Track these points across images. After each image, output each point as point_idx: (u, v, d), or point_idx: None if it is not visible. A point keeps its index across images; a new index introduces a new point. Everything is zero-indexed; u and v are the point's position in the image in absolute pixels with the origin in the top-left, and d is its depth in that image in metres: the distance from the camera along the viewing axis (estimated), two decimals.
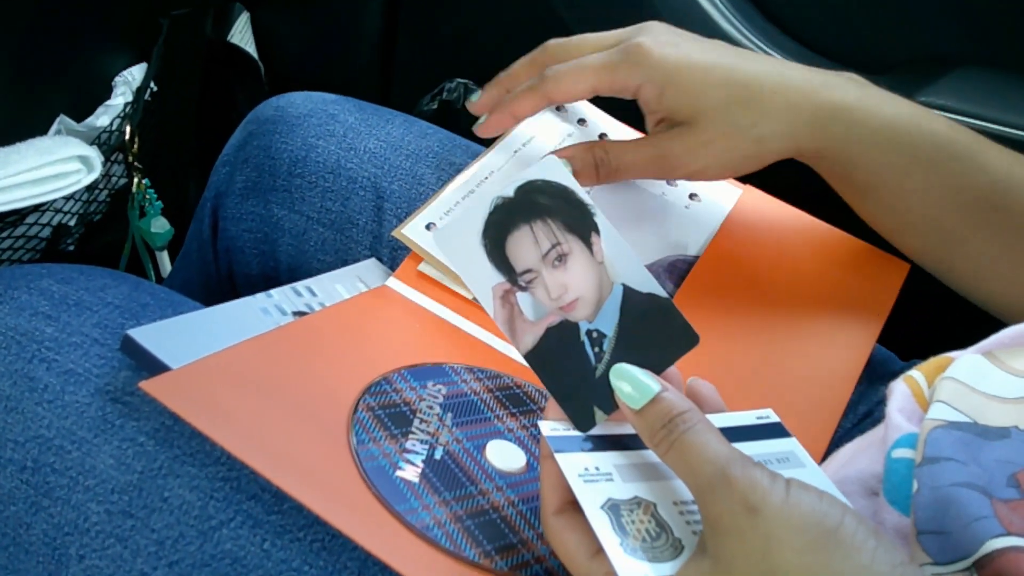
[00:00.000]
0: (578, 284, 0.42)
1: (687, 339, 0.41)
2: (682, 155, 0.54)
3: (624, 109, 0.60)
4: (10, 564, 0.46)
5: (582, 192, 0.42)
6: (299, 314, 0.54)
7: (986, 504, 0.36)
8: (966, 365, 0.42)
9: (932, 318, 0.63)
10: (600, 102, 0.63)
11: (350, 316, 0.53)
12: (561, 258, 0.42)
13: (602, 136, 0.64)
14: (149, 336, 0.46)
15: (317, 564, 0.43)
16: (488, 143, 0.65)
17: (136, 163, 0.77)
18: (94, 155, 0.69)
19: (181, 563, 0.44)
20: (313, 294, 0.56)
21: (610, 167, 0.55)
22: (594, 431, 0.41)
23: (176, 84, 0.81)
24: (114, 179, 0.79)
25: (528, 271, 0.42)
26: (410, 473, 0.44)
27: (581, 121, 0.65)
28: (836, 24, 0.75)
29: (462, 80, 0.77)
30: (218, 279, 0.68)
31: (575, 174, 0.53)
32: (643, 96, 0.54)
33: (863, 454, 0.45)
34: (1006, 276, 0.54)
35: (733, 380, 0.52)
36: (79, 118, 0.72)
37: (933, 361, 0.44)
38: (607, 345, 0.41)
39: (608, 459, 0.39)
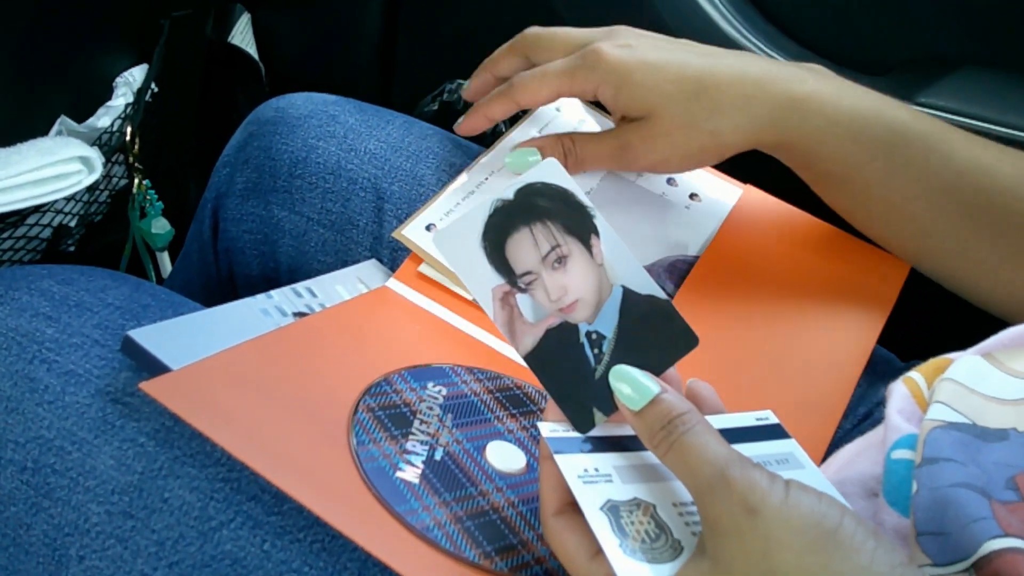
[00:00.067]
0: (578, 286, 0.42)
1: (686, 341, 0.41)
2: (640, 147, 0.56)
3: None
4: (10, 565, 0.46)
5: (582, 194, 0.42)
6: (299, 315, 0.54)
7: (985, 505, 0.36)
8: (965, 366, 0.42)
9: (932, 319, 0.63)
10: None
11: (350, 317, 0.54)
12: (561, 260, 0.42)
13: None
14: (149, 337, 0.46)
15: (317, 565, 0.43)
16: (488, 143, 0.65)
17: (137, 164, 0.77)
18: (95, 156, 0.69)
19: (181, 564, 0.44)
20: (313, 295, 0.56)
21: (576, 157, 0.58)
22: (593, 432, 0.41)
23: (177, 85, 0.81)
24: (115, 180, 0.79)
25: (528, 273, 0.42)
26: (410, 474, 0.44)
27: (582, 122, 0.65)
28: (836, 24, 0.75)
29: (462, 81, 0.77)
30: (218, 280, 0.68)
31: None
32: (601, 96, 0.56)
33: (863, 455, 0.45)
34: (981, 262, 0.55)
35: (732, 381, 0.52)
36: (80, 119, 0.72)
37: (932, 362, 0.44)
38: (606, 347, 0.41)
39: (607, 460, 0.39)
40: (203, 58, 0.86)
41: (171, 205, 0.82)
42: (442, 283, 0.56)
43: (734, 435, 0.40)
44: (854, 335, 0.57)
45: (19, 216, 0.69)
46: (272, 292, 0.55)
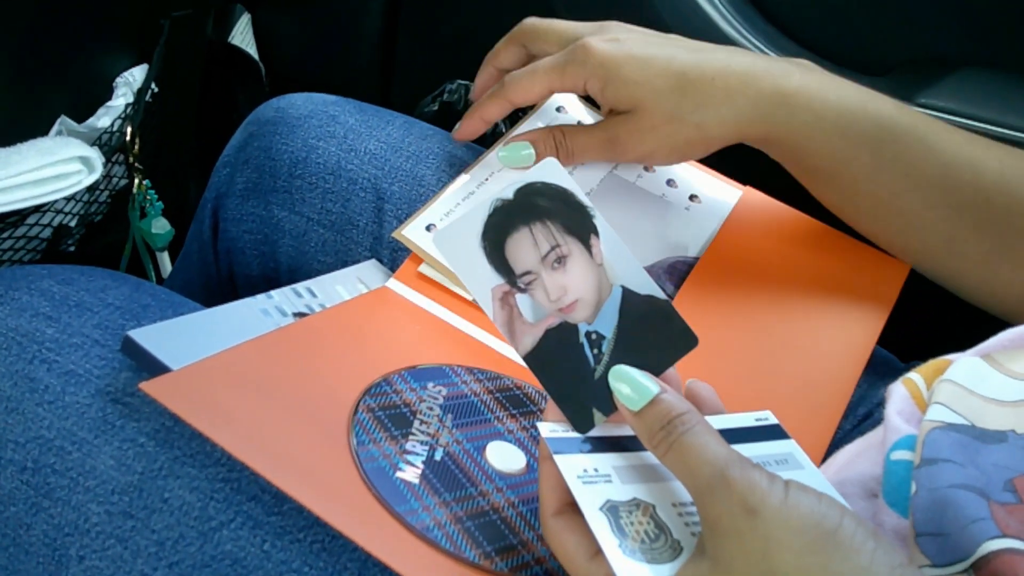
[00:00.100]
0: (577, 286, 0.42)
1: (686, 341, 0.41)
2: (628, 139, 0.57)
3: None
4: (10, 565, 0.46)
5: (581, 194, 0.42)
6: (299, 315, 0.54)
7: (983, 506, 0.36)
8: (965, 368, 0.42)
9: (932, 319, 0.64)
10: None
11: (350, 317, 0.54)
12: (560, 260, 0.42)
13: None
14: (149, 337, 0.46)
15: (317, 565, 0.43)
16: (487, 143, 0.65)
17: (137, 164, 0.77)
18: (95, 156, 0.69)
19: (181, 564, 0.44)
20: (313, 295, 0.56)
21: (567, 149, 0.59)
22: (593, 433, 0.41)
23: (177, 85, 0.81)
24: (115, 180, 0.79)
25: (527, 273, 0.42)
26: (410, 474, 0.44)
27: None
28: (836, 25, 0.75)
29: (463, 81, 0.77)
30: (218, 280, 0.68)
31: (536, 156, 0.59)
32: (590, 90, 0.57)
33: (862, 456, 0.45)
34: (969, 257, 0.55)
35: (732, 382, 0.52)
36: (80, 119, 0.72)
37: (932, 363, 0.44)
38: (606, 347, 0.41)
39: (607, 461, 0.40)
40: (203, 58, 0.86)
41: (171, 205, 0.82)
42: (442, 283, 0.56)
43: (733, 435, 0.40)
44: (854, 336, 0.57)
45: (19, 216, 0.69)
46: (272, 292, 0.55)
